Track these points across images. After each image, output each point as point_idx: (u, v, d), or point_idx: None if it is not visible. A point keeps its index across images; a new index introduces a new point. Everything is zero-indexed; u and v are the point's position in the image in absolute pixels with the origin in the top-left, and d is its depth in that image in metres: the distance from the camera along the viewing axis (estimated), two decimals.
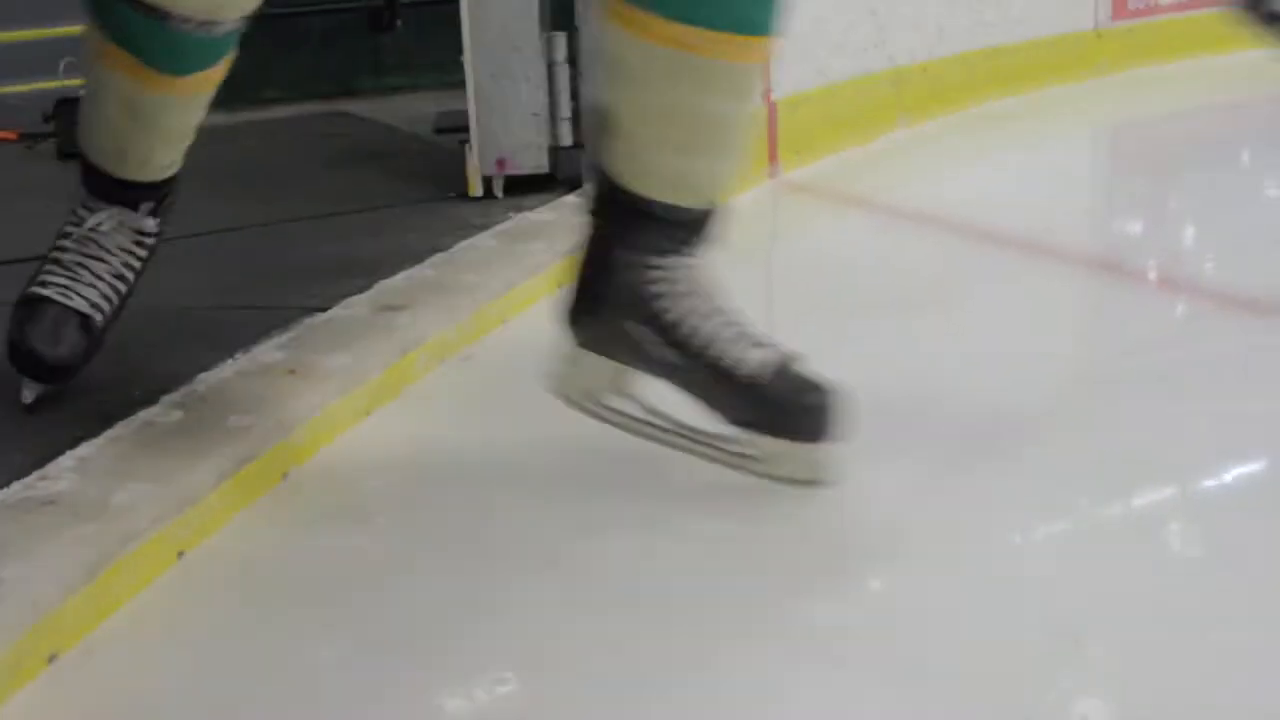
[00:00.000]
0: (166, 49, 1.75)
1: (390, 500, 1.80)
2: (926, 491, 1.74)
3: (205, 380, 1.93)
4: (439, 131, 3.69)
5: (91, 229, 1.88)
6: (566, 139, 3.04)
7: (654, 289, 1.64)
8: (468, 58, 2.98)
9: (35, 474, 1.64)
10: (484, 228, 2.75)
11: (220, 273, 2.57)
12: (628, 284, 1.64)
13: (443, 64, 3.56)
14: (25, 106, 4.06)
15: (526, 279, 2.49)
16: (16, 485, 1.61)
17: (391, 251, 2.57)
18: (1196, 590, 1.51)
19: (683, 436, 1.71)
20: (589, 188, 1.71)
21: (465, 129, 3.05)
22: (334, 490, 1.80)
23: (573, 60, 3.00)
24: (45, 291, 1.85)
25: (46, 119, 3.85)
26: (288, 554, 1.65)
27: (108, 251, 1.88)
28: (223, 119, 4.56)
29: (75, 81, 4.03)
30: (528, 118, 3.03)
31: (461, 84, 3.03)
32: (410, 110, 4.09)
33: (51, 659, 1.39)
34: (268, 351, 2.05)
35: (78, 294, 1.86)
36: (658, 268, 1.64)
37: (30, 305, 1.85)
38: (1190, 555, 1.61)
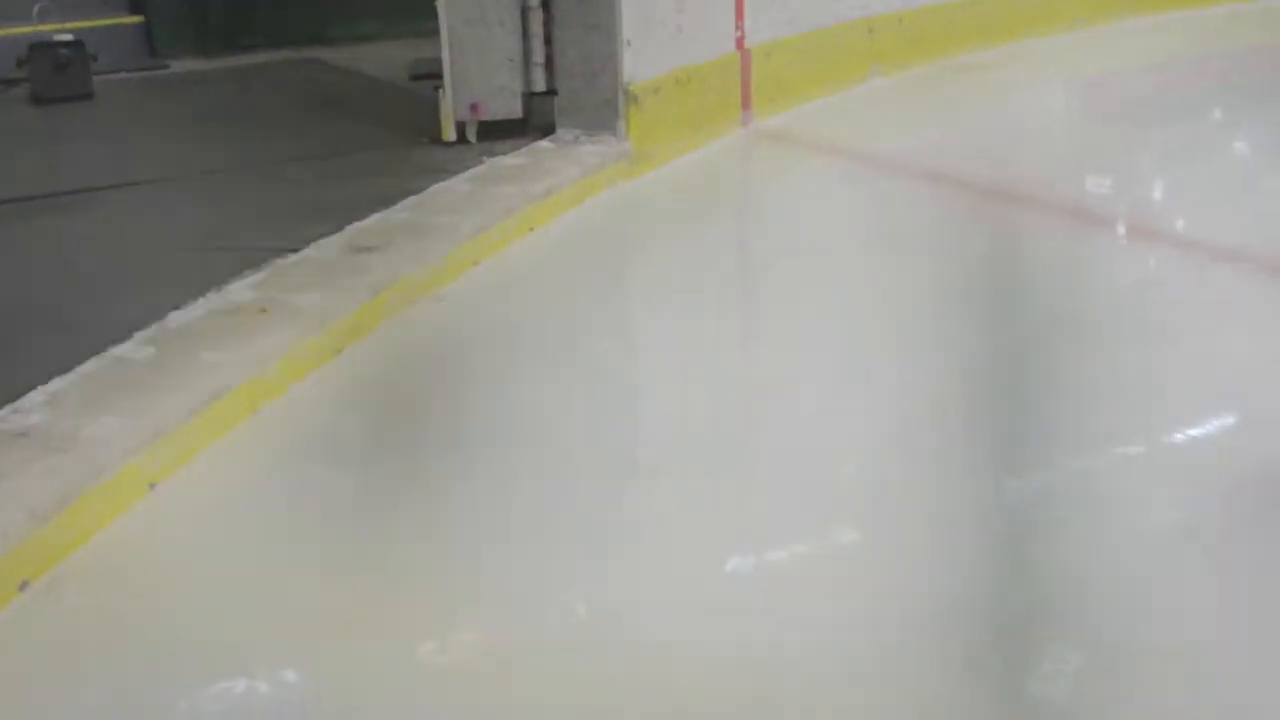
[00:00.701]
0: None
1: (362, 434, 1.82)
2: (903, 441, 1.77)
3: (177, 318, 1.94)
4: (415, 78, 3.68)
5: None
6: (540, 84, 3.04)
7: None
8: (442, 2, 2.98)
9: (7, 407, 1.66)
10: (457, 172, 2.76)
11: (194, 214, 2.58)
12: None
13: (417, 11, 3.53)
14: None
15: (499, 222, 2.50)
16: None
17: (364, 194, 2.58)
18: (1166, 530, 1.55)
19: None
20: None
21: (441, 76, 3.04)
22: (306, 424, 1.81)
23: (546, 5, 3.00)
24: None
25: (20, 64, 3.83)
26: (258, 486, 1.67)
27: None
28: (199, 65, 4.54)
29: (49, 26, 4.02)
30: (502, 63, 3.02)
31: (434, 33, 3.02)
32: (384, 57, 4.08)
33: (23, 586, 1.41)
34: (240, 290, 2.06)
35: None
36: None
37: None
38: (1159, 489, 1.64)
